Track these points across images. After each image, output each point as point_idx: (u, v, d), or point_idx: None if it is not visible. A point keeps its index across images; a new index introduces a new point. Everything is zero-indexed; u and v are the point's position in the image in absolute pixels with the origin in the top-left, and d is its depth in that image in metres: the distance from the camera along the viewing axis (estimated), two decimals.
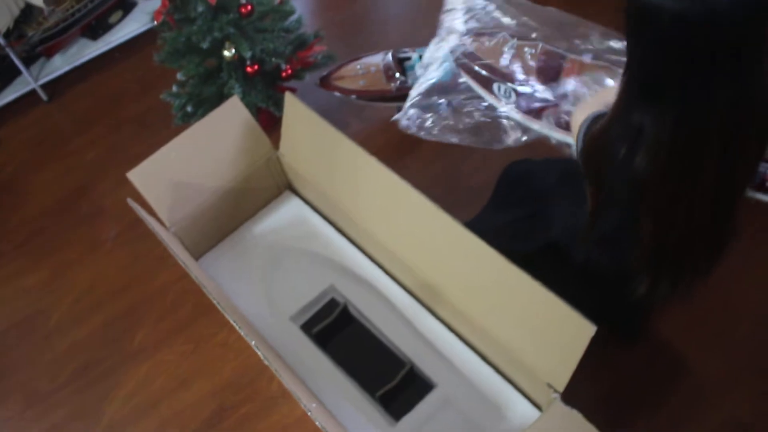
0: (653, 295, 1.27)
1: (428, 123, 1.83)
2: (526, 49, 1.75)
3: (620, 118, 1.09)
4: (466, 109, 1.81)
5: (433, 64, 1.87)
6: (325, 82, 2.24)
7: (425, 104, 1.83)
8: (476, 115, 1.79)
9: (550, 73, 1.70)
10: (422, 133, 1.83)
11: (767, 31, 0.97)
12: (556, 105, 1.66)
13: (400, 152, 2.29)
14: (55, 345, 2.07)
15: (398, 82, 2.16)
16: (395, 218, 1.46)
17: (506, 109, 1.73)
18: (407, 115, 1.84)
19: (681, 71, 0.99)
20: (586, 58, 1.71)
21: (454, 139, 1.80)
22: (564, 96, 1.66)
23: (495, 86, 1.74)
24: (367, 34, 2.82)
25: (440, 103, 1.83)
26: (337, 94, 2.22)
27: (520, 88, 1.71)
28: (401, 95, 2.17)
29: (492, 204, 1.75)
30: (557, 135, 1.68)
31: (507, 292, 1.25)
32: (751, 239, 1.87)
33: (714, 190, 1.08)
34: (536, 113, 1.69)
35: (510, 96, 1.71)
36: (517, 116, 1.73)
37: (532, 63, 1.72)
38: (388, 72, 2.19)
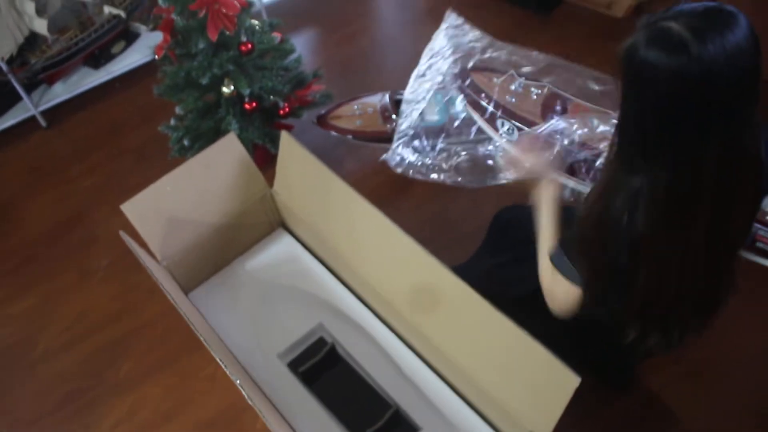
0: (643, 346, 1.27)
1: (419, 163, 1.85)
2: (533, 89, 1.77)
3: (619, 188, 1.10)
4: (457, 149, 1.83)
5: (418, 102, 1.89)
6: (322, 121, 2.26)
7: (417, 145, 1.85)
8: (465, 154, 1.80)
9: (554, 115, 1.73)
10: (411, 172, 1.85)
11: (759, 89, 1.00)
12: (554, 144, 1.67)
13: (393, 193, 2.31)
14: (40, 373, 2.06)
15: (394, 123, 2.18)
16: (385, 260, 1.47)
17: (507, 145, 1.74)
18: (396, 153, 1.86)
19: (675, 129, 1.01)
20: (588, 104, 1.74)
21: (447, 180, 1.81)
22: (560, 134, 1.67)
23: (499, 122, 1.76)
24: (365, 74, 2.86)
25: (431, 144, 1.85)
26: (333, 133, 2.24)
27: (524, 126, 1.73)
28: None
29: (484, 248, 1.76)
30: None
31: (492, 339, 1.26)
32: (742, 298, 1.88)
33: (707, 246, 1.10)
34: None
35: (512, 133, 1.73)
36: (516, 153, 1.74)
37: (538, 104, 1.75)
38: (384, 113, 2.21)
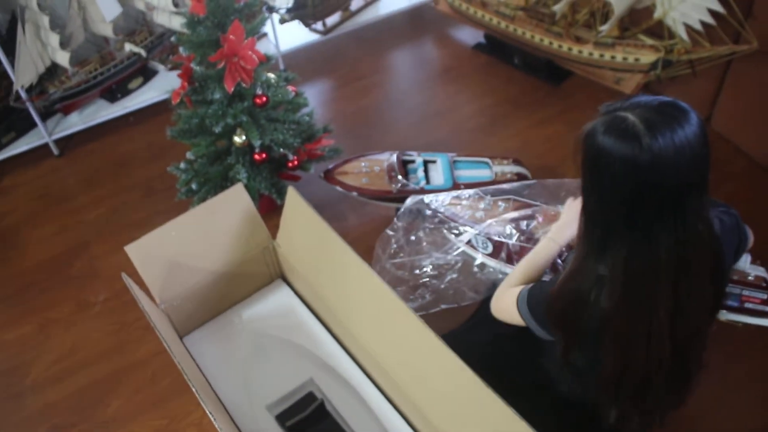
0: (624, 426, 1.29)
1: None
2: (500, 203, 1.83)
3: (584, 268, 1.17)
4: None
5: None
6: (328, 176, 2.30)
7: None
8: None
9: (524, 223, 1.77)
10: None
11: (708, 179, 1.08)
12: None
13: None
14: (27, 404, 2.06)
15: (399, 184, 2.22)
16: (377, 323, 1.49)
17: (485, 259, 1.78)
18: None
19: (630, 211, 1.07)
20: (556, 209, 1.78)
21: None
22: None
23: (473, 239, 1.80)
24: (374, 130, 2.91)
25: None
26: (338, 188, 2.28)
27: (496, 238, 1.76)
28: (401, 197, 2.23)
29: (476, 317, 1.78)
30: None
31: (479, 414, 1.27)
32: (727, 360, 1.92)
33: (670, 325, 1.13)
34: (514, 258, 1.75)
35: (487, 247, 1.77)
36: (495, 264, 1.78)
37: (506, 215, 1.80)
38: (390, 173, 2.25)
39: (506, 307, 1.40)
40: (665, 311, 1.12)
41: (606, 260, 1.13)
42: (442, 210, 1.88)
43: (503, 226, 1.78)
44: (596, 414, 1.32)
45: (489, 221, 1.81)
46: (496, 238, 1.75)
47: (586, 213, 1.15)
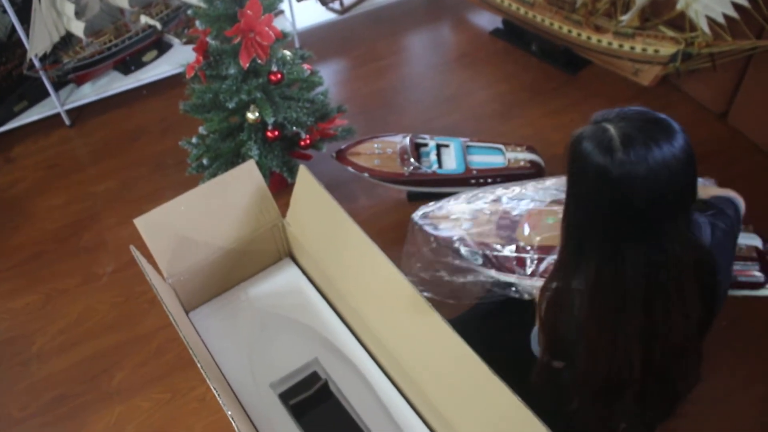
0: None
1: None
2: (485, 211, 1.80)
3: (561, 278, 1.20)
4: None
5: None
6: (341, 156, 2.29)
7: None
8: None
9: (510, 228, 1.74)
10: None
11: (680, 201, 1.07)
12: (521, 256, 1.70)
13: (401, 235, 2.32)
14: (32, 372, 2.07)
15: (411, 167, 2.20)
16: (385, 305, 1.48)
17: (479, 269, 1.75)
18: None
19: (599, 223, 1.09)
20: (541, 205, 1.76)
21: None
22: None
23: (463, 250, 1.77)
24: (388, 112, 2.89)
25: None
26: (350, 169, 2.26)
27: (485, 250, 1.73)
28: (413, 180, 2.22)
29: (488, 305, 1.77)
30: (528, 282, 1.70)
31: (485, 400, 1.27)
32: (735, 358, 1.89)
33: (642, 346, 1.14)
34: (506, 267, 1.71)
35: (477, 258, 1.74)
36: (492, 273, 1.74)
37: (492, 223, 1.76)
38: (403, 155, 2.24)
39: None
40: (633, 330, 1.13)
41: (581, 271, 1.15)
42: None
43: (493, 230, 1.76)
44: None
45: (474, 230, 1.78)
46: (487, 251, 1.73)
47: (566, 220, 1.17)
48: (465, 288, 1.76)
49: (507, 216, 1.76)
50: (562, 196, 1.74)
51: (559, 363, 1.32)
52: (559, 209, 1.73)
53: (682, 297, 1.12)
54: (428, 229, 1.81)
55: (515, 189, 1.84)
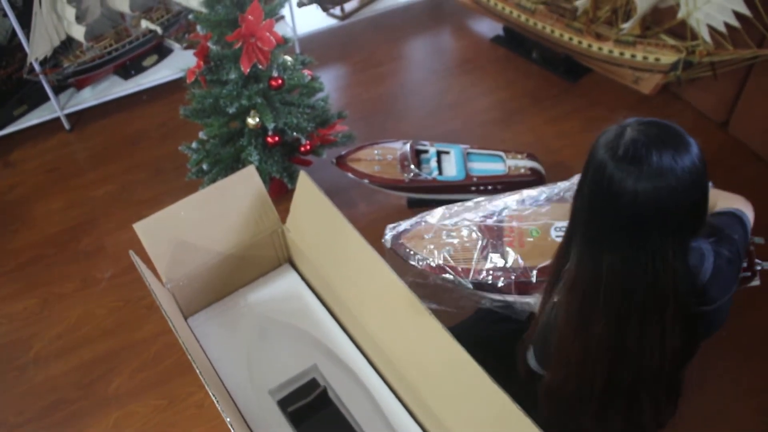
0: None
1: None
2: (463, 230, 1.74)
3: (556, 269, 1.22)
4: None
5: None
6: (341, 162, 2.28)
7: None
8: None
9: (495, 247, 1.70)
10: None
11: (683, 228, 1.06)
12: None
13: None
14: (29, 377, 2.06)
15: (412, 173, 2.20)
16: (384, 311, 1.47)
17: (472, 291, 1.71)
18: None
19: (588, 220, 1.10)
20: (516, 223, 1.72)
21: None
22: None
23: (450, 277, 1.71)
24: (388, 118, 2.89)
25: None
26: (350, 175, 2.26)
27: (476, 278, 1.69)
28: (413, 187, 2.22)
29: (483, 310, 1.76)
30: (526, 300, 1.67)
31: (482, 406, 1.26)
32: (739, 365, 1.88)
33: (610, 353, 1.14)
34: (499, 291, 1.68)
35: (467, 283, 1.69)
36: (486, 295, 1.71)
37: (476, 244, 1.71)
38: (403, 162, 2.23)
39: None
40: (603, 341, 1.12)
41: (569, 263, 1.16)
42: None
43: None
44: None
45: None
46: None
47: (572, 205, 1.16)
48: (465, 297, 1.74)
49: (490, 232, 1.72)
50: (544, 203, 1.75)
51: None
52: (543, 217, 1.73)
53: (660, 321, 1.10)
54: (404, 256, 1.75)
55: (496, 201, 1.80)
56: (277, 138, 2.19)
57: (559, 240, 1.65)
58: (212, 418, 1.91)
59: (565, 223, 1.70)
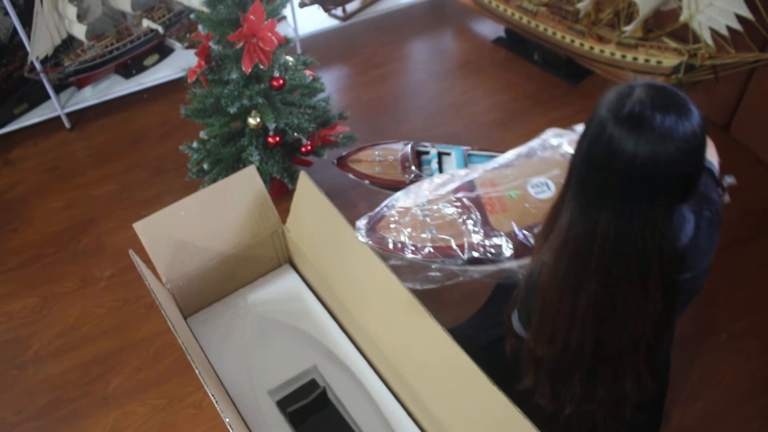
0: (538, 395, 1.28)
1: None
2: (444, 210, 1.71)
3: (549, 223, 1.21)
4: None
5: None
6: (341, 163, 2.28)
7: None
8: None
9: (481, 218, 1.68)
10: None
11: (662, 189, 1.04)
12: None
13: None
14: (28, 376, 2.06)
15: (413, 175, 2.20)
16: (384, 312, 1.47)
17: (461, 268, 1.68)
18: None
19: (584, 177, 1.09)
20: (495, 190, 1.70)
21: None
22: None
23: (435, 265, 1.69)
24: (389, 119, 2.89)
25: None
26: (351, 176, 2.25)
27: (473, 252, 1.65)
28: None
29: (484, 312, 1.76)
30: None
31: (482, 409, 1.26)
32: (738, 368, 1.88)
33: (595, 320, 1.12)
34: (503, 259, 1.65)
35: (456, 261, 1.66)
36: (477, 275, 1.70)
37: (455, 223, 1.68)
38: (404, 163, 2.23)
39: None
40: (591, 302, 1.11)
41: (561, 220, 1.14)
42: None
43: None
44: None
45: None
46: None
47: (569, 163, 1.15)
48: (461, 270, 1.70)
49: (472, 204, 1.69)
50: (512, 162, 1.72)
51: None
52: (515, 178, 1.70)
53: (644, 286, 1.09)
54: (386, 246, 1.70)
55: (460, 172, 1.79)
56: (278, 138, 2.19)
57: (540, 196, 1.67)
58: (211, 418, 1.91)
59: (540, 178, 1.72)
